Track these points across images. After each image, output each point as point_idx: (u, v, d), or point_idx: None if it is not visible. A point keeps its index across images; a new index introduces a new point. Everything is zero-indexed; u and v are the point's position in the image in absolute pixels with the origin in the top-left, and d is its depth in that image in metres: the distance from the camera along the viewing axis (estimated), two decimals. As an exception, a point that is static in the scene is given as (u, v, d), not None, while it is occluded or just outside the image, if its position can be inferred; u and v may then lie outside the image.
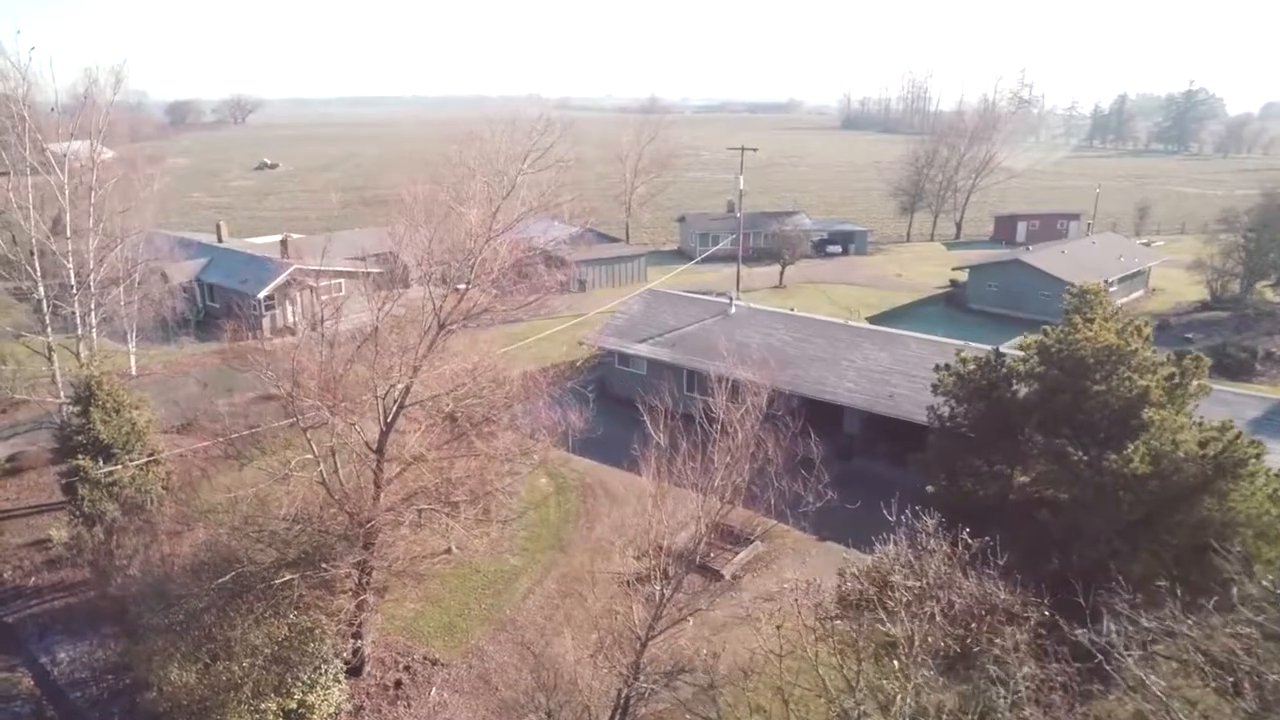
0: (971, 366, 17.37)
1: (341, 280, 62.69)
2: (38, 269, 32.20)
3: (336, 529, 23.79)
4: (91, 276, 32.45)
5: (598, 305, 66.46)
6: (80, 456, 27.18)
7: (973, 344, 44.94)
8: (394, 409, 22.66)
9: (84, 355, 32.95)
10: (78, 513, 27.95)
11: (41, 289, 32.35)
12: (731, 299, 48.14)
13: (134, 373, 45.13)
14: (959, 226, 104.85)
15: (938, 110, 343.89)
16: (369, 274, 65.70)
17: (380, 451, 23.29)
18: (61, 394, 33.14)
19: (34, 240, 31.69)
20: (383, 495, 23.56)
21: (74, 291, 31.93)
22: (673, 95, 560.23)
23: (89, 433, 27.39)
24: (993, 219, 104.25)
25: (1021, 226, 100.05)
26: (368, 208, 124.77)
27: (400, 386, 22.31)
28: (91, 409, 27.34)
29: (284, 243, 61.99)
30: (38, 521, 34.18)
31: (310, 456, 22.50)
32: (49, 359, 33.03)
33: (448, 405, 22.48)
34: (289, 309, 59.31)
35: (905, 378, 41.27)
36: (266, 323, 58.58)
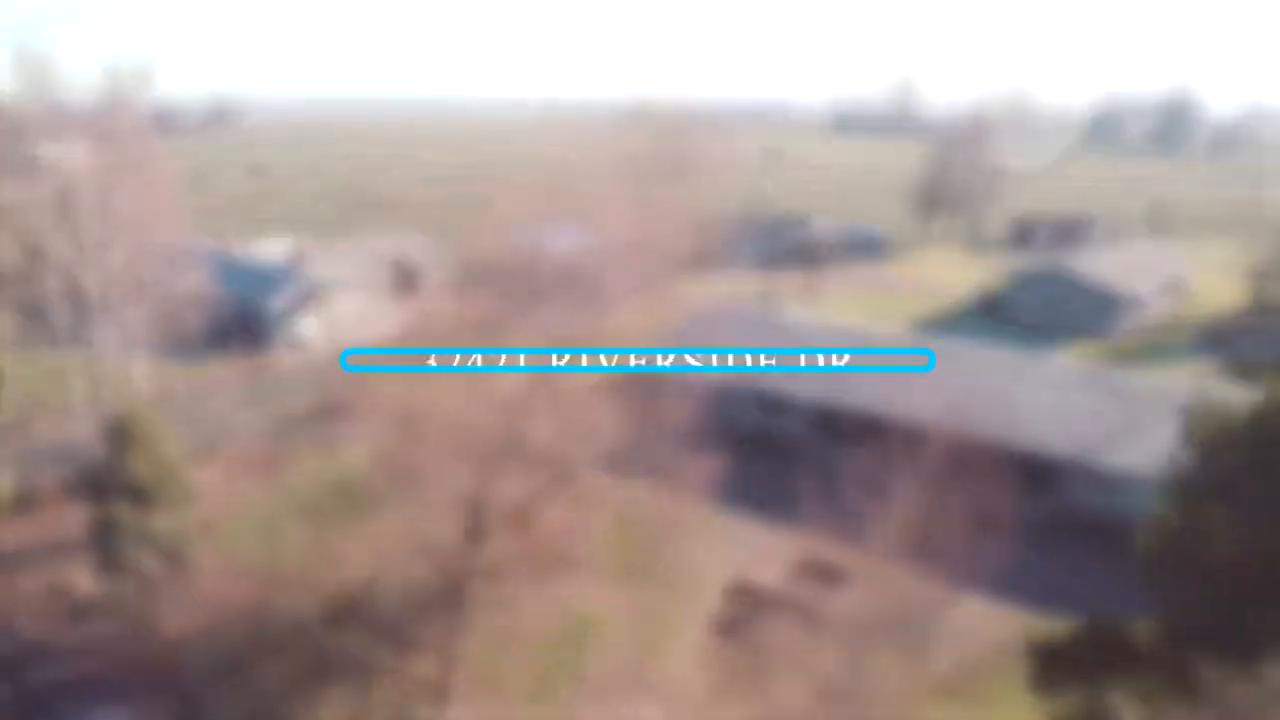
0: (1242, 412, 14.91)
1: (358, 290, 59.81)
2: (55, 283, 29.09)
3: (427, 587, 21.02)
4: (114, 292, 29.37)
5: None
6: (114, 501, 24.12)
7: (1057, 360, 42.85)
8: (499, 451, 19.83)
9: (103, 376, 29.85)
10: (110, 563, 24.88)
11: (59, 306, 29.25)
12: (785, 311, 45.51)
13: (143, 391, 41.93)
14: (975, 231, 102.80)
15: (928, 112, 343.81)
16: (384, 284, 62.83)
17: (478, 502, 20.43)
18: (81, 419, 29.99)
19: (50, 251, 28.61)
20: (482, 549, 20.73)
21: (95, 308, 28.85)
22: (657, 97, 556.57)
23: (124, 475, 24.33)
24: (1008, 223, 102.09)
25: (1040, 231, 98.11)
26: (368, 211, 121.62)
27: (508, 424, 19.49)
28: (128, 448, 24.27)
29: (298, 250, 58.80)
30: (56, 565, 31.02)
31: (406, 512, 19.65)
32: (65, 382, 29.91)
33: (557, 447, 19.61)
34: (304, 320, 56.14)
35: (988, 397, 38.79)
36: (281, 334, 55.43)
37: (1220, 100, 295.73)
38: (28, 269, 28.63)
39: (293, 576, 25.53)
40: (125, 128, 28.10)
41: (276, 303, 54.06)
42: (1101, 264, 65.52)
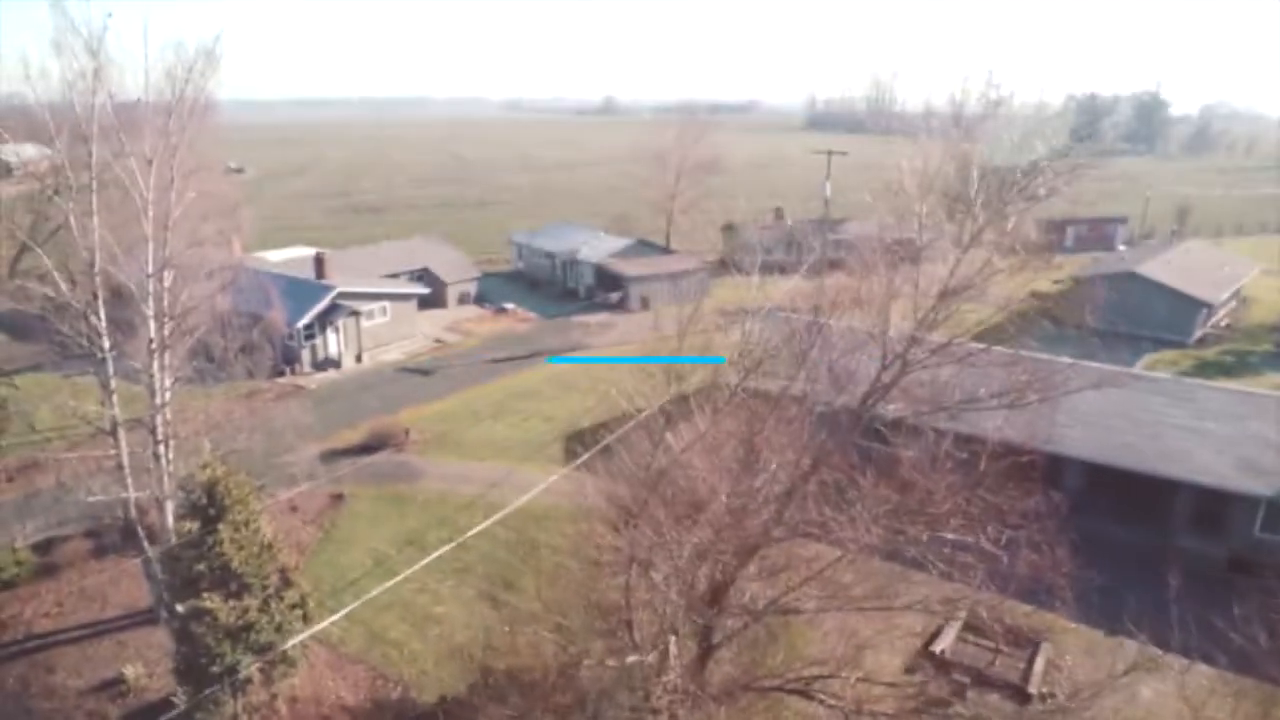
0: None
1: (386, 303, 54.61)
2: (102, 317, 23.77)
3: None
4: (175, 318, 24.09)
5: (665, 326, 58.90)
6: (206, 595, 19.03)
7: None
8: (759, 533, 15.12)
9: (160, 428, 24.57)
10: (194, 665, 19.74)
11: (106, 344, 23.93)
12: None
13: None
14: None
15: (903, 110, 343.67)
16: (414, 295, 57.63)
17: (716, 601, 15.70)
18: (130, 482, 24.71)
19: (98, 276, 23.31)
20: (711, 669, 16.01)
21: (153, 345, 23.56)
22: (625, 96, 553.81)
23: (215, 559, 19.25)
24: (1034, 224, 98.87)
25: (1070, 231, 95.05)
26: (358, 214, 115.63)
27: (779, 493, 14.84)
28: (221, 526, 19.19)
29: (319, 260, 53.35)
30: (97, 650, 25.79)
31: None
32: (112, 435, 24.57)
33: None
34: (331, 338, 50.77)
35: (1130, 421, 34.86)
36: (306, 355, 50.02)
37: (1180, 100, 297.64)
38: (78, 303, 23.32)
39: (425, 678, 20.60)
40: (193, 126, 22.86)
41: (302, 320, 48.61)
42: (1171, 269, 62.06)
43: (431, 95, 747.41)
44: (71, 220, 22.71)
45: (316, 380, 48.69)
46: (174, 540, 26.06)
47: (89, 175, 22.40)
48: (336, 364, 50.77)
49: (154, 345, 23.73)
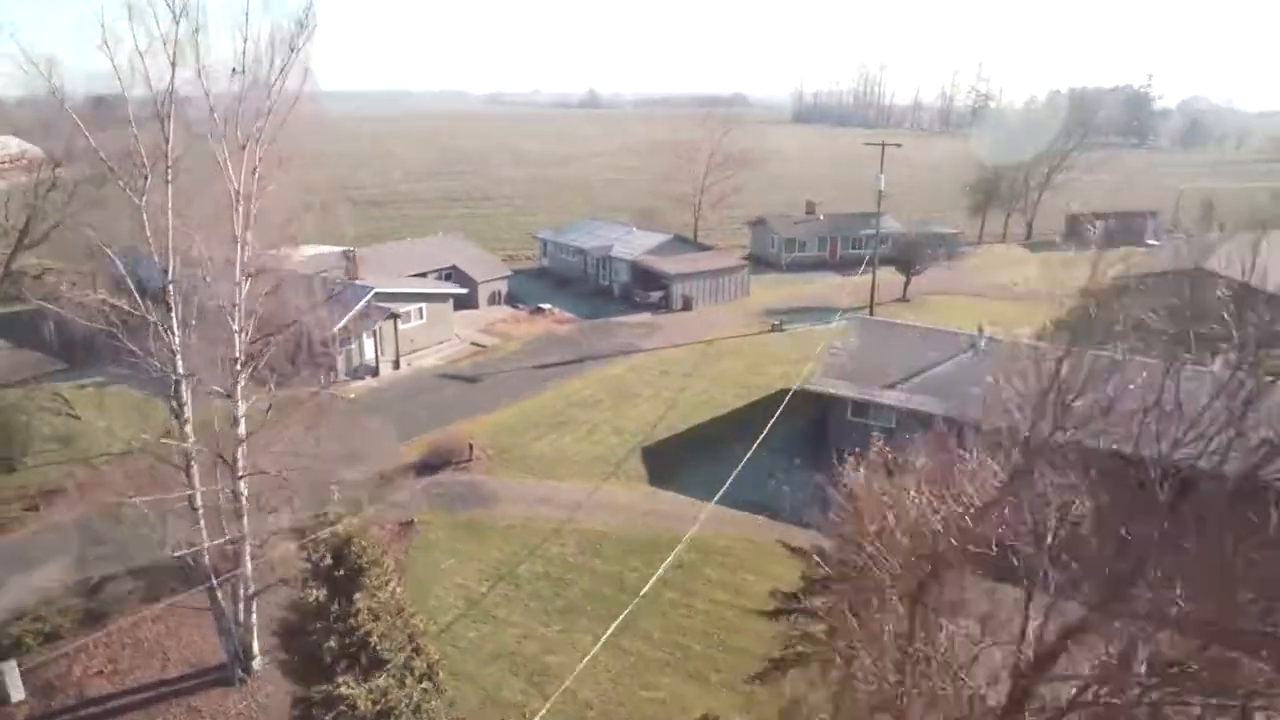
0: None
1: (422, 304, 50.93)
2: (176, 332, 20.09)
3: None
4: (241, 336, 20.48)
5: (713, 327, 55.74)
6: (341, 678, 15.53)
7: None
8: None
9: (241, 454, 21.00)
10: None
11: (179, 363, 20.27)
12: (983, 332, 38.06)
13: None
14: (1030, 226, 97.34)
15: (892, 103, 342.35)
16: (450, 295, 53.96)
17: (1038, 671, 12.43)
18: (203, 525, 21.11)
19: (172, 284, 19.69)
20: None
21: (238, 362, 19.97)
22: (606, 89, 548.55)
23: (350, 633, 15.75)
24: (1065, 218, 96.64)
25: (1098, 226, 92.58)
26: (359, 209, 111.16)
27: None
28: (358, 595, 15.71)
29: (350, 258, 49.50)
30: (160, 717, 22.16)
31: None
32: (186, 470, 20.93)
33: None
34: (367, 343, 47.02)
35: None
36: (341, 362, 46.22)
37: (1160, 94, 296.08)
38: (152, 316, 19.69)
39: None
40: (289, 107, 19.23)
41: (338, 321, 44.77)
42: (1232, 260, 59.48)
43: (411, 89, 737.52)
44: (144, 217, 19.04)
45: (355, 389, 44.98)
46: (252, 589, 22.61)
47: (165, 163, 18.75)
48: (374, 371, 47.05)
49: (239, 363, 20.12)
